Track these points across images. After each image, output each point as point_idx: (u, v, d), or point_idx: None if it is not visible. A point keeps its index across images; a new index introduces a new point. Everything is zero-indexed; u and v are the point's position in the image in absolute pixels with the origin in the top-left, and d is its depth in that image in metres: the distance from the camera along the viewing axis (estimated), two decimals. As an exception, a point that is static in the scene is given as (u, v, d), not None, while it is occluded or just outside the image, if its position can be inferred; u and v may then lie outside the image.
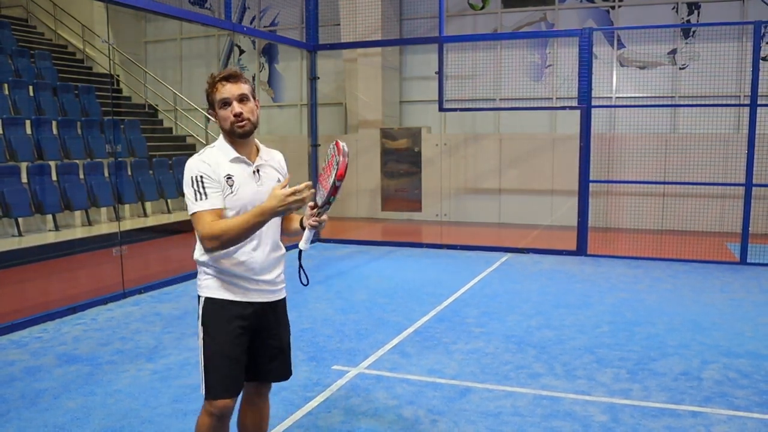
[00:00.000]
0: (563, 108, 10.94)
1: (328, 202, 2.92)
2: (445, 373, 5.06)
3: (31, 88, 12.34)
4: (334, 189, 2.88)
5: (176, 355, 5.44)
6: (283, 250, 3.21)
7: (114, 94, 15.06)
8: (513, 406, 4.42)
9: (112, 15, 14.84)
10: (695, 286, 8.02)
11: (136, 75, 16.01)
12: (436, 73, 10.79)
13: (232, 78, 2.93)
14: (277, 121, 16.04)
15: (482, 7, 14.03)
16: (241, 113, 2.90)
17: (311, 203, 2.95)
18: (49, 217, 10.43)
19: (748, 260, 9.21)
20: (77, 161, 11.39)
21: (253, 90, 3.03)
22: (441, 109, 10.86)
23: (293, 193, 2.75)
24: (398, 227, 13.49)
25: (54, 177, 10.69)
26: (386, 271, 9.02)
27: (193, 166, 2.90)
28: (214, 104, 2.95)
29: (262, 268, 3.03)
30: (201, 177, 2.87)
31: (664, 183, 11.45)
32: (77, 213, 10.96)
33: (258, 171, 3.00)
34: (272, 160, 3.12)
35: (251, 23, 15.88)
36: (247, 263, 2.99)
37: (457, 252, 10.48)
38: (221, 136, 3.02)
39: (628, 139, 11.76)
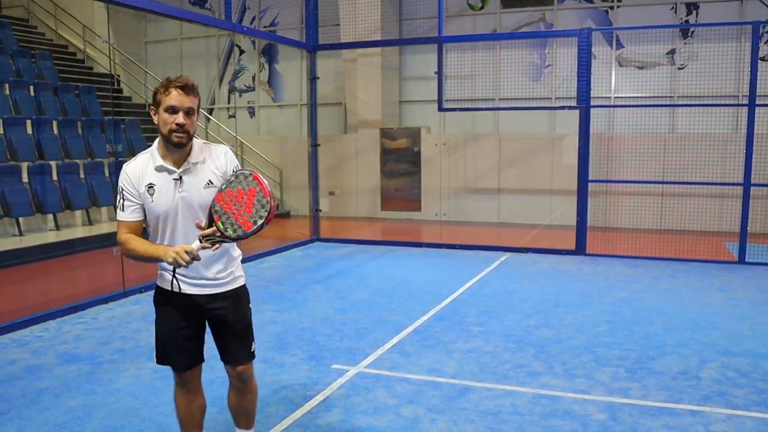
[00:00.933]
0: (562, 108, 10.96)
1: (234, 238, 2.96)
2: (445, 372, 5.07)
3: (31, 88, 12.35)
4: (256, 230, 2.94)
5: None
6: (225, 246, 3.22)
7: (114, 94, 15.06)
8: (512, 405, 4.43)
9: (113, 15, 14.85)
10: (694, 285, 8.04)
11: (136, 75, 16.02)
12: (435, 73, 10.81)
13: (188, 89, 3.03)
14: (277, 121, 16.05)
15: (481, 8, 14.06)
16: (184, 125, 3.00)
17: (211, 230, 2.96)
18: (50, 216, 10.46)
19: (747, 260, 9.22)
20: (78, 161, 11.42)
21: (199, 104, 3.14)
22: (440, 109, 10.88)
23: (180, 255, 2.87)
24: (398, 227, 13.50)
25: (55, 177, 10.72)
26: (386, 270, 9.03)
27: (121, 176, 3.12)
28: (159, 105, 3.04)
29: (195, 267, 3.10)
30: (122, 189, 3.10)
31: (662, 183, 11.48)
32: (78, 212, 10.99)
33: (181, 178, 3.09)
34: (208, 159, 3.16)
35: (251, 23, 15.89)
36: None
37: (456, 251, 10.49)
38: (157, 140, 3.14)
39: (626, 139, 11.78)
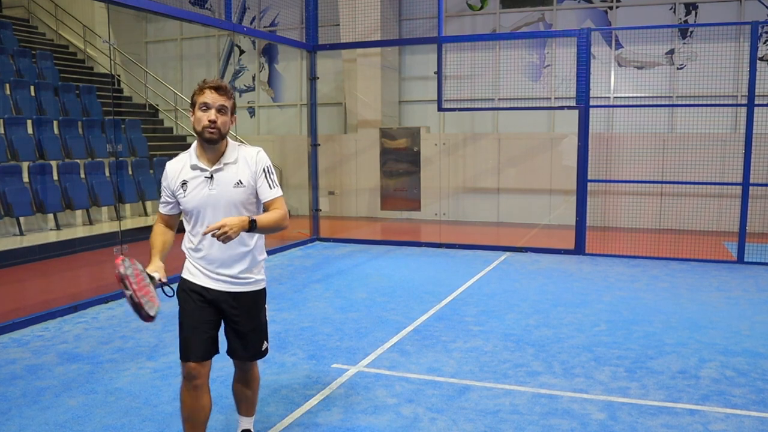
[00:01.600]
0: (561, 108, 10.98)
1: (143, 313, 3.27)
2: (444, 371, 5.08)
3: (32, 88, 12.37)
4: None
5: (176, 354, 5.38)
6: (250, 247, 3.43)
7: (115, 94, 15.09)
8: (511, 404, 4.44)
9: (113, 15, 14.86)
10: (693, 284, 8.05)
11: (136, 75, 16.04)
12: (435, 73, 10.82)
13: (221, 90, 3.25)
14: (276, 121, 16.06)
15: (481, 8, 14.07)
16: (215, 121, 3.20)
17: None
18: (51, 216, 10.47)
19: (745, 259, 9.24)
20: (78, 161, 11.43)
21: (234, 106, 3.36)
22: (440, 108, 10.89)
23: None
24: (397, 226, 13.52)
25: (55, 176, 10.73)
26: (385, 270, 9.04)
27: (164, 173, 3.41)
28: (194, 105, 3.26)
29: (222, 262, 3.36)
30: (162, 185, 3.44)
31: (661, 182, 11.51)
32: (78, 212, 11.00)
33: (212, 176, 3.29)
34: (241, 159, 3.34)
35: (251, 24, 15.90)
36: (206, 257, 3.37)
37: (455, 251, 10.51)
38: (195, 141, 3.37)
39: (625, 139, 11.80)
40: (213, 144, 3.27)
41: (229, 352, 3.57)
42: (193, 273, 3.41)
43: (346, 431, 4.04)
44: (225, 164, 3.31)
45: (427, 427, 4.10)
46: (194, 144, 3.37)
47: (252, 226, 3.18)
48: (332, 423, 4.15)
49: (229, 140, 3.38)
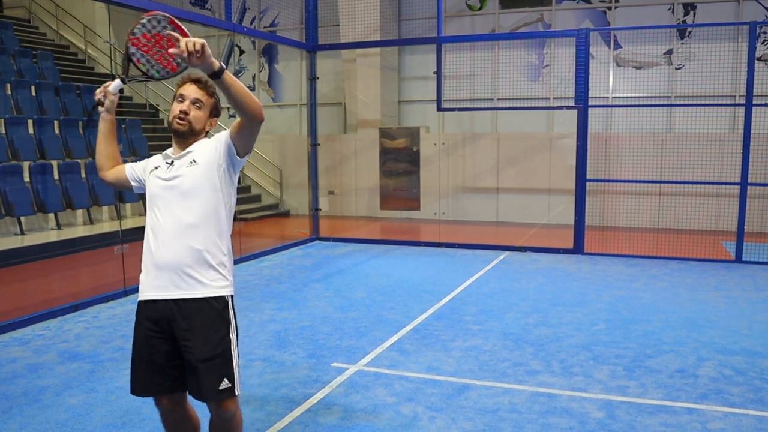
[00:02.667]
0: (560, 108, 11.00)
1: (159, 78, 3.16)
2: (444, 370, 5.09)
3: (33, 87, 12.39)
4: (183, 70, 3.09)
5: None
6: (198, 247, 2.98)
7: (115, 94, 15.09)
8: (510, 403, 4.45)
9: (114, 15, 14.84)
10: (691, 284, 8.07)
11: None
12: (434, 73, 10.86)
13: (200, 83, 3.06)
14: (276, 121, 16.07)
15: (480, 8, 14.09)
16: (187, 113, 3.03)
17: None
18: (51, 215, 10.49)
19: (744, 258, 9.26)
20: (79, 160, 11.45)
21: (216, 106, 3.14)
22: (439, 108, 10.90)
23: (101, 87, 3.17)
24: (397, 226, 13.53)
25: (56, 176, 10.75)
26: (385, 269, 9.05)
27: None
28: (174, 98, 3.11)
29: (167, 261, 2.96)
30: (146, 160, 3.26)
31: (660, 182, 11.53)
32: (79, 212, 11.02)
33: (173, 162, 3.06)
34: (202, 144, 3.10)
35: (251, 24, 15.91)
36: (154, 257, 3.01)
37: (455, 250, 10.53)
38: None
39: (624, 139, 11.82)
40: (181, 137, 3.06)
41: (190, 391, 3.05)
42: (143, 287, 3.05)
43: (346, 430, 4.05)
44: (187, 153, 3.05)
45: (426, 425, 4.11)
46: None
47: (220, 69, 2.72)
48: (332, 422, 4.16)
49: (206, 139, 3.15)
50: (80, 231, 10.59)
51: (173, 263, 2.94)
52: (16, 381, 4.86)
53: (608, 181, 11.66)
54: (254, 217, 14.29)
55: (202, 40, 2.64)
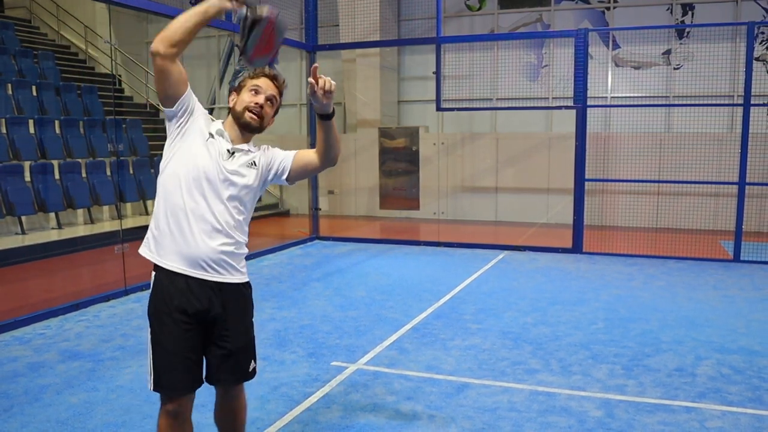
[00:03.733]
0: (559, 108, 11.03)
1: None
2: (443, 369, 5.10)
3: (34, 88, 12.41)
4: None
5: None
6: (234, 240, 2.95)
7: (116, 94, 15.11)
8: (509, 402, 4.46)
9: (114, 16, 14.86)
10: (689, 283, 8.09)
11: (137, 75, 16.06)
12: (433, 73, 10.88)
13: (277, 81, 2.99)
14: (276, 121, 16.01)
15: (479, 8, 14.11)
16: (262, 106, 2.93)
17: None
18: (52, 215, 10.51)
19: (742, 258, 9.27)
20: (80, 160, 11.46)
21: (278, 108, 3.08)
22: (438, 108, 10.92)
23: None
24: (396, 225, 13.55)
25: (57, 176, 10.76)
26: (384, 268, 9.07)
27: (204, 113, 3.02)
28: (242, 88, 2.95)
29: (200, 247, 2.86)
30: (195, 101, 2.96)
31: (658, 182, 11.55)
32: (80, 211, 11.04)
33: (233, 153, 2.93)
34: (258, 150, 3.06)
35: (251, 24, 15.90)
36: (187, 229, 2.86)
37: (454, 249, 10.54)
38: (229, 117, 3.02)
39: (623, 139, 11.83)
40: (249, 131, 2.97)
41: (210, 378, 3.01)
42: (174, 264, 2.85)
43: (346, 428, 4.06)
44: (246, 150, 2.98)
45: (425, 424, 4.12)
46: (227, 120, 3.04)
47: (333, 112, 2.94)
48: (331, 420, 4.17)
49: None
50: (81, 230, 10.61)
51: (213, 254, 2.86)
52: (17, 380, 4.86)
53: (607, 180, 11.68)
54: (254, 216, 14.28)
55: (334, 82, 2.78)
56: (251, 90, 2.92)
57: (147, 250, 2.96)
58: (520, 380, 4.87)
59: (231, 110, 2.97)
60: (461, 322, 6.38)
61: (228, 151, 2.91)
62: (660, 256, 9.68)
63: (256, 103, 2.90)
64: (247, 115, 2.91)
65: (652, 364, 5.20)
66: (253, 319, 3.12)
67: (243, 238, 3.00)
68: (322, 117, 2.95)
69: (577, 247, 10.04)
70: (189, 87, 2.91)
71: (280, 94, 3.02)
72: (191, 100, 2.92)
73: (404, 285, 8.01)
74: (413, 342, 5.79)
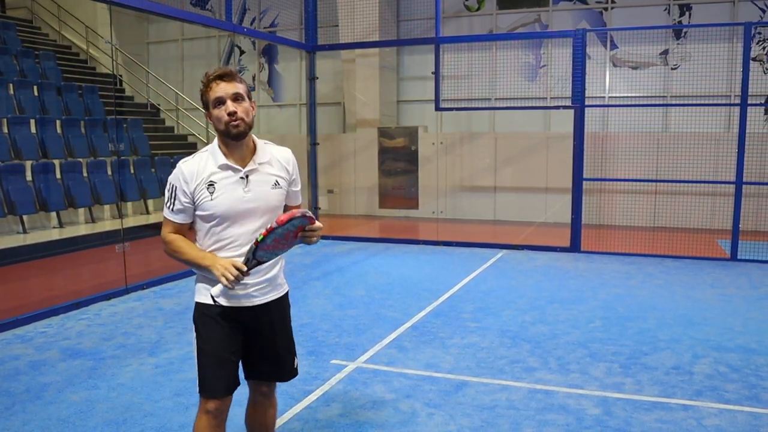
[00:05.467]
0: (557, 107, 11.04)
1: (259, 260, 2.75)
2: (442, 367, 5.12)
3: (35, 87, 12.41)
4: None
5: (178, 350, 5.51)
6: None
7: (117, 94, 15.12)
8: (508, 400, 4.48)
9: (115, 16, 14.88)
10: (686, 281, 8.11)
11: (138, 75, 16.09)
12: (432, 73, 10.89)
13: (227, 77, 2.83)
14: (276, 121, 16.12)
15: (478, 9, 14.14)
16: (235, 112, 2.79)
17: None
18: (54, 214, 10.53)
19: (739, 256, 9.30)
20: (81, 160, 11.47)
21: (249, 90, 2.93)
22: (437, 108, 10.94)
23: (228, 270, 2.69)
24: (395, 224, 13.57)
25: (58, 175, 10.78)
26: (384, 267, 9.09)
27: (175, 174, 2.88)
28: (208, 104, 2.85)
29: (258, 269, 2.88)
30: (174, 187, 2.87)
31: (656, 181, 11.56)
32: (81, 210, 11.07)
33: (247, 177, 2.86)
34: (273, 160, 2.96)
35: (251, 24, 15.94)
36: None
37: (453, 248, 10.56)
38: (216, 139, 2.93)
39: (620, 138, 11.85)
40: (242, 138, 2.84)
41: (253, 375, 3.12)
42: (206, 294, 2.91)
43: (345, 426, 4.08)
44: (260, 164, 2.89)
45: (424, 422, 4.14)
46: (215, 142, 2.92)
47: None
48: (331, 418, 4.19)
49: (254, 137, 2.96)
50: (82, 229, 10.63)
51: (266, 269, 2.94)
52: (18, 378, 4.88)
53: (605, 180, 11.70)
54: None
55: (321, 226, 2.78)
56: (216, 104, 2.82)
57: None
58: (518, 378, 4.89)
59: (216, 130, 2.87)
60: (460, 321, 6.40)
61: (241, 178, 2.88)
62: (658, 255, 9.70)
63: (229, 113, 2.79)
64: (231, 127, 2.81)
65: (649, 362, 5.22)
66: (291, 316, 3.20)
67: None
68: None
69: (575, 246, 10.07)
70: (180, 225, 2.94)
71: (240, 80, 2.86)
72: (185, 214, 2.92)
73: (403, 284, 8.04)
74: (412, 340, 5.81)
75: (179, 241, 2.90)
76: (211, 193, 2.83)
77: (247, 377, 3.12)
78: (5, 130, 10.75)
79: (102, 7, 14.62)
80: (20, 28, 15.00)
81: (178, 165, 2.89)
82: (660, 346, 5.62)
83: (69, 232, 10.37)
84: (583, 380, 4.84)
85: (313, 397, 4.53)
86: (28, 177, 10.33)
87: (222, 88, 2.80)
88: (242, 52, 16.48)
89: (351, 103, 14.74)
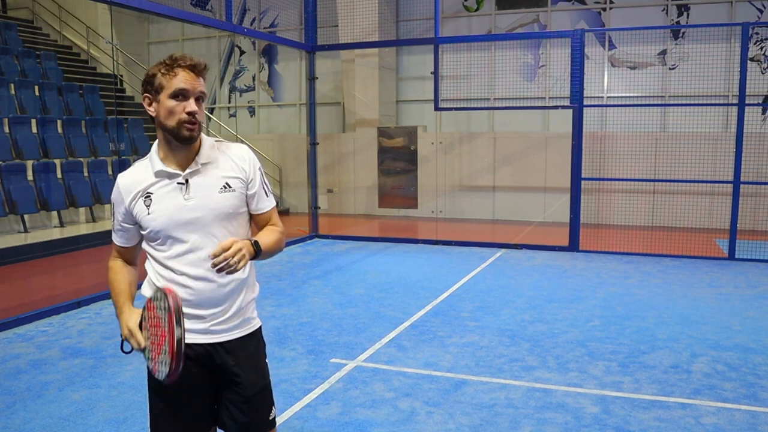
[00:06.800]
0: (556, 107, 11.06)
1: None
2: (441, 366, 5.13)
3: (36, 87, 12.44)
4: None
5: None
6: (246, 275, 2.49)
7: (117, 94, 15.13)
8: (507, 398, 4.49)
9: (116, 17, 14.90)
10: (684, 280, 8.12)
11: (139, 75, 16.07)
12: (431, 73, 10.90)
13: (198, 70, 2.33)
14: (276, 121, 16.14)
15: (477, 9, 14.16)
16: (196, 113, 2.29)
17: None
18: (55, 213, 10.57)
19: (736, 256, 9.32)
20: (82, 159, 11.51)
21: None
22: (436, 108, 10.95)
23: (129, 337, 2.29)
24: (395, 224, 13.58)
25: (59, 175, 10.82)
26: (383, 266, 9.10)
27: (114, 190, 2.46)
28: (160, 90, 2.29)
29: (214, 301, 2.40)
30: (113, 205, 2.46)
31: (654, 180, 11.59)
32: (82, 210, 11.11)
33: (187, 182, 2.34)
34: (221, 159, 2.42)
35: (251, 25, 15.96)
36: (194, 297, 2.38)
37: (452, 248, 10.58)
38: (156, 142, 2.41)
39: (619, 138, 11.87)
40: (190, 143, 2.33)
41: (221, 426, 2.54)
42: None
43: (345, 425, 4.09)
44: (202, 165, 2.37)
45: (424, 420, 4.15)
46: (154, 146, 2.41)
47: (257, 250, 2.29)
48: (331, 417, 4.20)
49: (203, 136, 2.41)
50: (83, 228, 10.66)
51: (219, 302, 2.41)
52: (19, 376, 4.89)
53: (603, 179, 11.71)
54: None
55: (230, 242, 2.17)
56: (175, 96, 2.28)
57: None
58: (517, 377, 4.90)
59: (157, 122, 2.34)
60: (459, 320, 6.42)
61: (179, 183, 2.37)
62: (656, 254, 9.72)
63: (189, 113, 2.28)
64: (185, 129, 2.28)
65: (647, 361, 5.23)
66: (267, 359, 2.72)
67: (248, 270, 2.56)
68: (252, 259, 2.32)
69: (573, 245, 10.09)
70: (125, 234, 2.48)
71: (205, 78, 2.38)
72: (126, 234, 2.48)
73: (403, 283, 8.05)
74: (411, 339, 5.82)
75: (112, 272, 2.49)
76: (148, 207, 2.35)
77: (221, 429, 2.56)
78: (6, 129, 10.78)
79: (102, 7, 14.63)
80: (21, 29, 15.03)
81: (118, 178, 2.45)
82: (658, 344, 5.64)
83: (70, 231, 10.40)
84: (581, 379, 4.86)
85: (312, 395, 4.54)
86: (29, 176, 10.36)
87: (190, 81, 2.29)
88: (242, 53, 16.50)
89: (350, 102, 14.76)
